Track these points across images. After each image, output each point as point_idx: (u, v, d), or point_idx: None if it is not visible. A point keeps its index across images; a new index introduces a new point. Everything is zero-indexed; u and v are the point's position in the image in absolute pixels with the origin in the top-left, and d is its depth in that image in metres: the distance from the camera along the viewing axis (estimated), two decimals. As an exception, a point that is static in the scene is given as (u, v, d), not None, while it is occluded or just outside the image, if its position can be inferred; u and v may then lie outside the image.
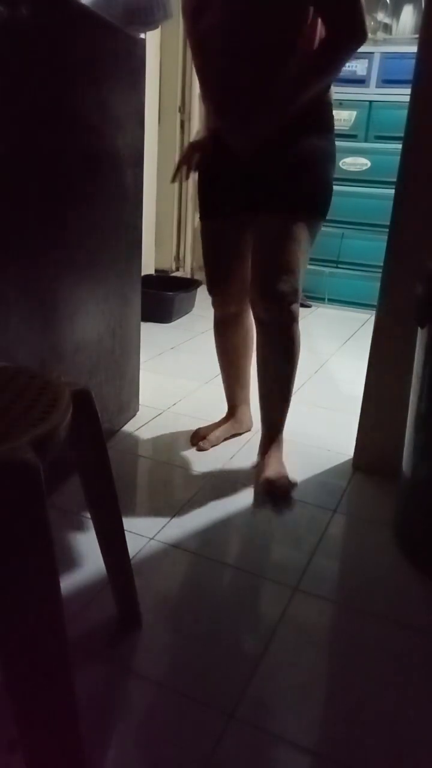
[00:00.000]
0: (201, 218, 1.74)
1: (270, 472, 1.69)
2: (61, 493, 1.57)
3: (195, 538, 1.48)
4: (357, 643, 1.20)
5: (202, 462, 1.82)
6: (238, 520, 1.57)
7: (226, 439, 1.94)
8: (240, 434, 1.98)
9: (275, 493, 1.65)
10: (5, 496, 0.69)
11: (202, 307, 3.58)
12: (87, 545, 1.39)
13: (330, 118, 1.52)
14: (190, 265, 4.21)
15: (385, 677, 1.13)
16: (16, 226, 1.31)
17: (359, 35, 1.36)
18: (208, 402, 2.16)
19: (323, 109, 1.50)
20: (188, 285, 3.49)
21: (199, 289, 3.57)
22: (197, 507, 1.59)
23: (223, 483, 1.72)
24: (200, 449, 1.88)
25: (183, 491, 1.67)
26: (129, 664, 1.12)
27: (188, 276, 4.09)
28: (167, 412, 2.15)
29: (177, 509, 1.58)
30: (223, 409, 1.99)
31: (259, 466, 1.75)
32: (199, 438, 1.91)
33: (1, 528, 0.70)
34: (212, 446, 1.90)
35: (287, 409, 1.74)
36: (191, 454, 1.87)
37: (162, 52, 3.45)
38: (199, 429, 1.95)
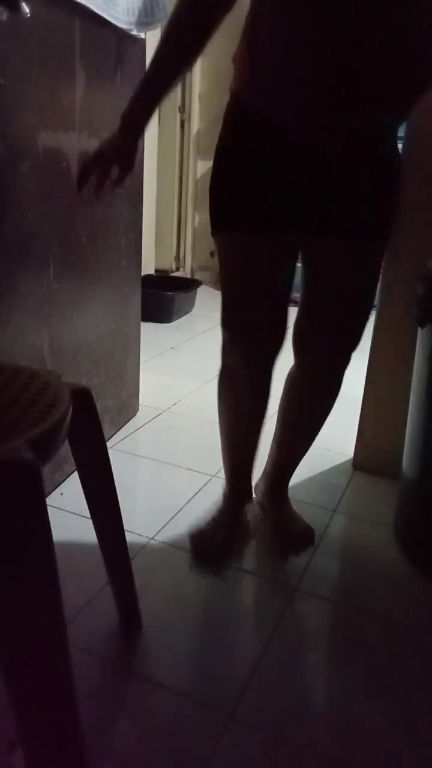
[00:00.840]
0: (234, 230, 1.19)
1: (288, 525, 1.47)
2: (62, 493, 1.57)
3: (195, 538, 1.48)
4: (357, 643, 1.20)
5: (202, 462, 1.82)
6: (238, 520, 1.57)
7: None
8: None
9: (303, 547, 1.44)
10: (5, 496, 0.69)
11: (202, 307, 3.58)
12: (87, 545, 1.39)
13: None
14: (190, 265, 4.21)
15: (385, 677, 1.13)
16: (16, 226, 1.31)
17: None
18: (208, 402, 2.15)
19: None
20: (188, 285, 3.49)
21: (199, 289, 3.57)
22: (197, 507, 1.59)
23: (224, 483, 1.71)
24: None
25: (183, 491, 1.67)
26: (129, 664, 1.12)
27: (188, 276, 4.10)
28: (167, 412, 2.15)
29: (177, 509, 1.58)
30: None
31: (271, 515, 1.51)
32: (207, 556, 1.40)
33: (0, 528, 0.70)
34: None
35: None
36: (191, 454, 1.87)
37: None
38: (201, 540, 1.42)
